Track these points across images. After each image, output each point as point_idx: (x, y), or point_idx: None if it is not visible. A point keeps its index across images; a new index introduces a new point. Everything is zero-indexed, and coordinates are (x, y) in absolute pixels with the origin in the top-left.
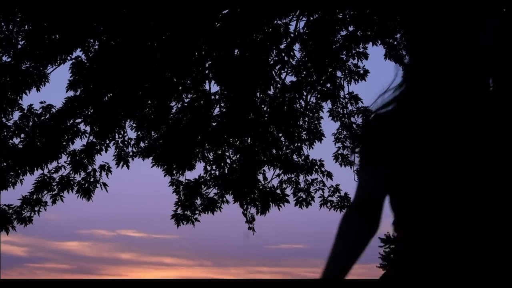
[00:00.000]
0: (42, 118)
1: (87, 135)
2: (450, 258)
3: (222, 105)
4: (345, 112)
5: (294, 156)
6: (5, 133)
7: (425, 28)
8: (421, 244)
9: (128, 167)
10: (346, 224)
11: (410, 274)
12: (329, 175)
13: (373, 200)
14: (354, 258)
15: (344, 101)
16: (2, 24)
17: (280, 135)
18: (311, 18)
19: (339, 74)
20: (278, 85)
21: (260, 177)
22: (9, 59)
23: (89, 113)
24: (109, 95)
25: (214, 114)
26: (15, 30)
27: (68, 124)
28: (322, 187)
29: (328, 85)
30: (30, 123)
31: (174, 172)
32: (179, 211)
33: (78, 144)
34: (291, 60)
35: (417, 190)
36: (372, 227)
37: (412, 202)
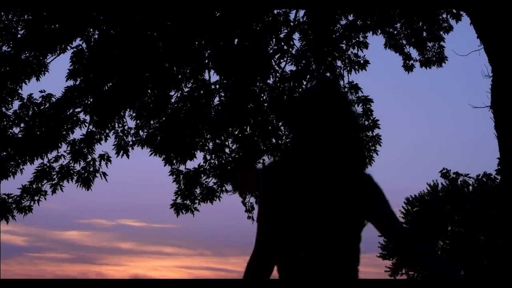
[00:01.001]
0: (42, 107)
1: (87, 124)
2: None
3: (222, 94)
4: None
5: None
6: (5, 123)
7: (321, 114)
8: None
9: (128, 156)
10: (251, 269)
11: None
12: None
13: (270, 249)
14: None
15: (344, 90)
16: (2, 13)
17: (280, 124)
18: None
19: (339, 63)
20: (278, 74)
21: (260, 166)
22: (9, 49)
23: (89, 102)
24: (108, 84)
25: (214, 104)
26: (14, 19)
27: (68, 113)
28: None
29: (328, 74)
30: (30, 113)
31: (174, 161)
32: (179, 200)
33: (77, 133)
34: (291, 49)
35: (302, 233)
36: (270, 269)
37: (296, 242)
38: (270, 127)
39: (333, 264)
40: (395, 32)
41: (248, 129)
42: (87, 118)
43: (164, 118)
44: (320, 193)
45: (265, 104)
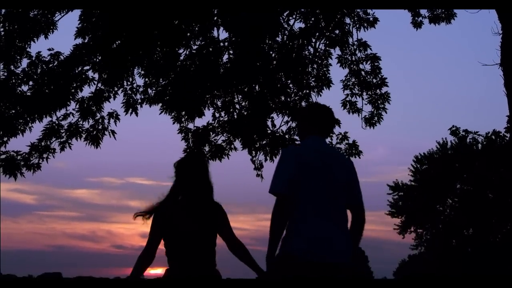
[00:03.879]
0: (51, 65)
1: (95, 82)
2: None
3: (231, 52)
4: (353, 59)
5: (303, 103)
6: (14, 81)
7: (187, 173)
8: (174, 268)
9: (136, 114)
10: (139, 262)
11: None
12: (337, 122)
13: (153, 249)
14: (141, 272)
15: (352, 47)
16: None
17: (289, 82)
18: None
19: (347, 21)
20: (286, 32)
21: (269, 123)
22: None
23: (97, 60)
24: (117, 42)
25: (223, 62)
26: None
27: (77, 71)
28: (330, 135)
29: (337, 31)
30: (39, 71)
31: (183, 119)
32: None
33: (86, 91)
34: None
35: (172, 241)
36: (151, 260)
37: (170, 246)
38: (278, 85)
39: (195, 261)
40: None
41: (256, 87)
42: (96, 76)
43: (172, 76)
44: (185, 218)
45: (274, 62)
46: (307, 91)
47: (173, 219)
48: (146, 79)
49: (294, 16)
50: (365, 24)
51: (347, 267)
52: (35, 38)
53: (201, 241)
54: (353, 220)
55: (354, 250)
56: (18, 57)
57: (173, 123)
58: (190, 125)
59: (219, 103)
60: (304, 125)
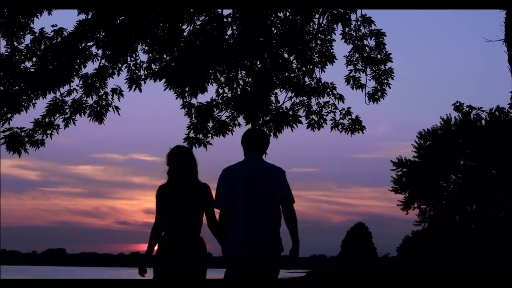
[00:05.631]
0: (54, 41)
1: (99, 58)
2: (173, 250)
3: (235, 27)
4: (357, 34)
5: (306, 79)
6: (17, 57)
7: (177, 161)
8: (166, 235)
9: (140, 90)
10: (152, 234)
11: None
12: (341, 98)
13: (160, 221)
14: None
15: (356, 23)
16: None
17: (291, 58)
18: None
19: None
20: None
21: (272, 99)
22: None
23: (101, 36)
24: (120, 18)
25: (226, 37)
26: None
27: (80, 47)
28: (334, 110)
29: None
30: (42, 47)
31: (186, 95)
32: (192, 134)
33: (90, 67)
34: None
35: (168, 213)
36: (161, 230)
37: (166, 218)
38: (280, 60)
39: (186, 228)
40: None
41: (258, 63)
42: (99, 52)
43: (176, 52)
44: (179, 195)
45: (276, 37)
46: (311, 67)
47: (168, 196)
48: (150, 55)
49: None
50: None
51: (270, 257)
52: (38, 14)
53: (188, 213)
54: (282, 212)
55: (294, 239)
56: (22, 33)
57: (176, 98)
58: (194, 101)
59: (222, 79)
60: (243, 147)
